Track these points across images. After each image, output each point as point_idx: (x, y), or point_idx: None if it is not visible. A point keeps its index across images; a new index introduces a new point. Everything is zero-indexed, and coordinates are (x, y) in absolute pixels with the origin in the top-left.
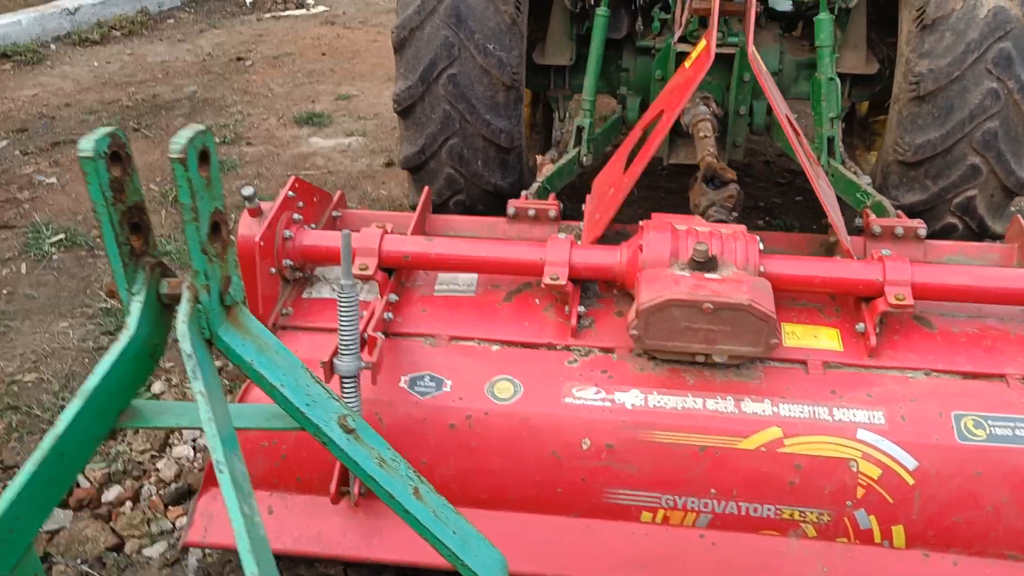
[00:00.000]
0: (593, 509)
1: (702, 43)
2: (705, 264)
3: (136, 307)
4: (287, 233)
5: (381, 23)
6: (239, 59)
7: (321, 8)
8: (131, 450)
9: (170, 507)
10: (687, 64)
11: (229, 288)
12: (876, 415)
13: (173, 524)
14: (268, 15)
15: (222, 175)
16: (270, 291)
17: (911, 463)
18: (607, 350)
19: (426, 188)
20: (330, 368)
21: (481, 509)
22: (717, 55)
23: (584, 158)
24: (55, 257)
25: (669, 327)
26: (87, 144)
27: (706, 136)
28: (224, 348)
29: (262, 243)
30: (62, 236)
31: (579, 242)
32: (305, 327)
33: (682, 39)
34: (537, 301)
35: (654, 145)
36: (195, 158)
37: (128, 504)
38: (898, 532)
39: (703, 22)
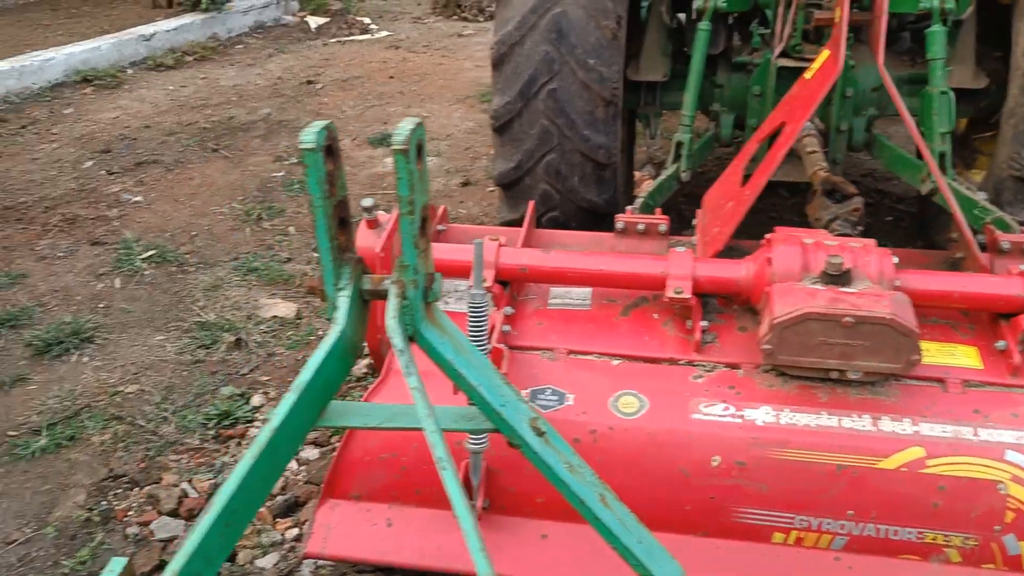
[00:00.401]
0: (722, 529)
1: (824, 54)
2: (839, 278)
3: (343, 302)
4: None
5: (444, 47)
6: (309, 82)
7: (384, 33)
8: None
9: (278, 519)
10: (807, 76)
11: (433, 285)
12: None
13: (282, 536)
14: (334, 40)
15: (302, 194)
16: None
17: None
18: (732, 366)
19: (531, 203)
20: None
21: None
22: (801, 69)
23: (683, 174)
24: (147, 272)
25: (804, 342)
26: (308, 137)
27: (814, 151)
28: (426, 346)
29: (383, 255)
30: (152, 252)
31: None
32: None
33: (783, 54)
34: (656, 315)
35: (777, 158)
36: (415, 151)
37: None
38: None
39: (806, 36)
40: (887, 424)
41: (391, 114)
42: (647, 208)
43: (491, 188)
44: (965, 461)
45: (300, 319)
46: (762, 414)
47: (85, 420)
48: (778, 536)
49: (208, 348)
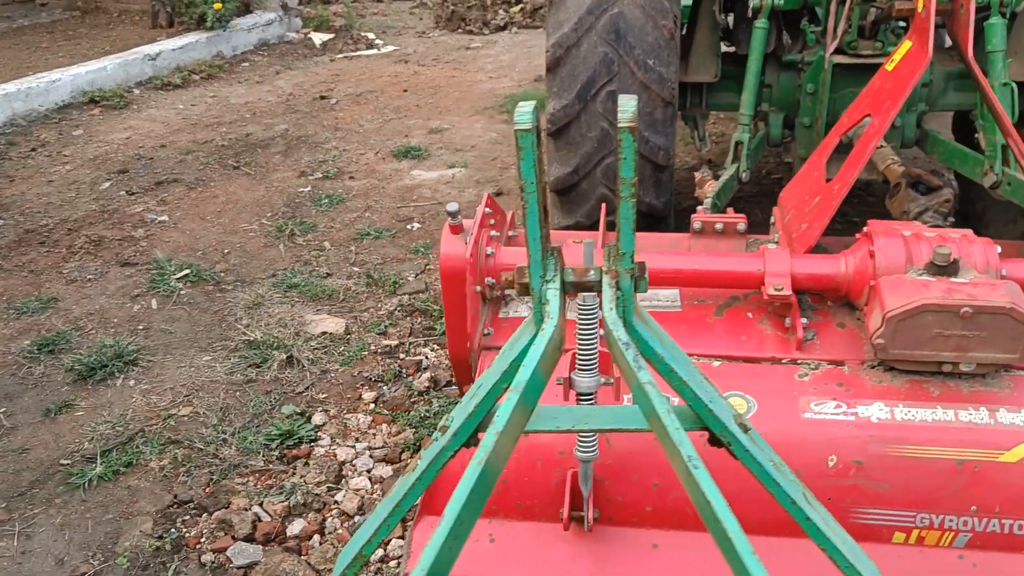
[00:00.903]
0: (848, 527)
1: (906, 45)
2: (947, 268)
3: (553, 294)
4: (489, 250)
5: (454, 60)
6: (322, 97)
7: (391, 48)
8: (306, 482)
9: None
10: (888, 67)
11: (644, 274)
12: None
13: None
14: (341, 56)
15: (331, 209)
16: (474, 311)
17: None
18: (837, 363)
19: (603, 205)
20: (568, 385)
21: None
22: (866, 66)
23: (743, 174)
24: (183, 292)
25: (918, 335)
26: (524, 116)
27: (882, 145)
28: (636, 339)
29: (471, 260)
30: (187, 271)
31: None
32: None
33: (838, 51)
34: (750, 315)
35: (868, 151)
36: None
37: (316, 538)
38: None
39: (861, 32)
40: (1005, 416)
41: (410, 127)
42: (715, 208)
43: None
44: None
45: (349, 334)
46: (876, 411)
47: (140, 445)
48: (899, 536)
49: (259, 367)
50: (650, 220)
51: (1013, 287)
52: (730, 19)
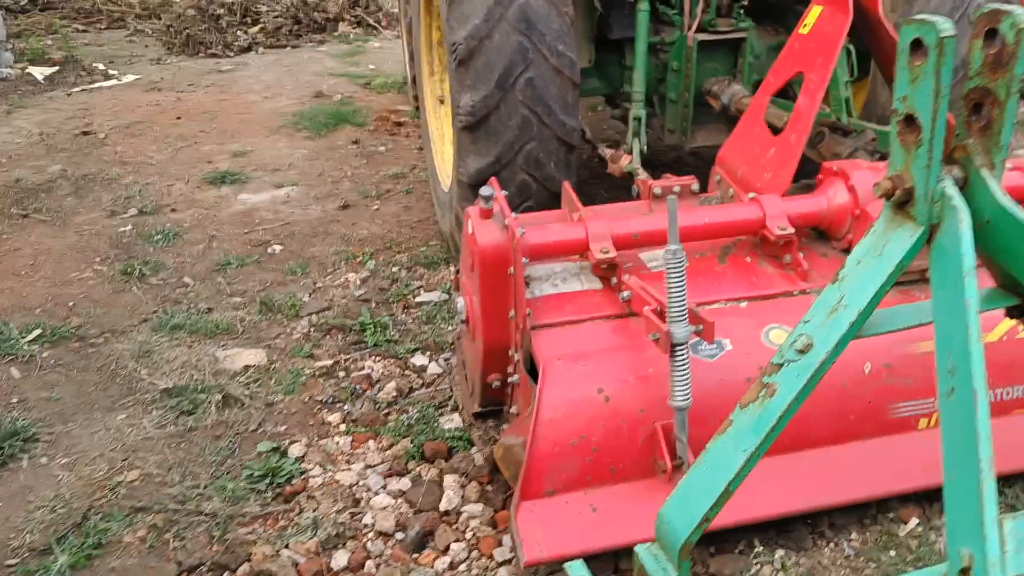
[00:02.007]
0: (879, 427)
1: (816, 9)
2: None
3: (952, 188)
4: (520, 231)
5: (212, 84)
6: (85, 133)
7: (132, 77)
8: (325, 515)
9: (416, 554)
10: (803, 31)
11: None
12: None
13: (434, 569)
14: (77, 89)
15: (171, 244)
16: (519, 293)
17: None
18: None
19: (565, 182)
20: (668, 338)
21: (786, 453)
22: (723, 41)
23: (643, 147)
24: (44, 355)
25: None
26: (947, 24)
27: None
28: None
29: (508, 242)
30: (38, 332)
31: None
32: (557, 323)
33: (700, 29)
34: (748, 259)
35: (816, 101)
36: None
37: (369, 564)
38: None
39: (718, 11)
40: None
41: (208, 153)
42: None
43: (375, 205)
44: None
45: (274, 363)
46: None
47: (99, 522)
48: (923, 422)
49: (192, 414)
50: (558, 203)
51: None
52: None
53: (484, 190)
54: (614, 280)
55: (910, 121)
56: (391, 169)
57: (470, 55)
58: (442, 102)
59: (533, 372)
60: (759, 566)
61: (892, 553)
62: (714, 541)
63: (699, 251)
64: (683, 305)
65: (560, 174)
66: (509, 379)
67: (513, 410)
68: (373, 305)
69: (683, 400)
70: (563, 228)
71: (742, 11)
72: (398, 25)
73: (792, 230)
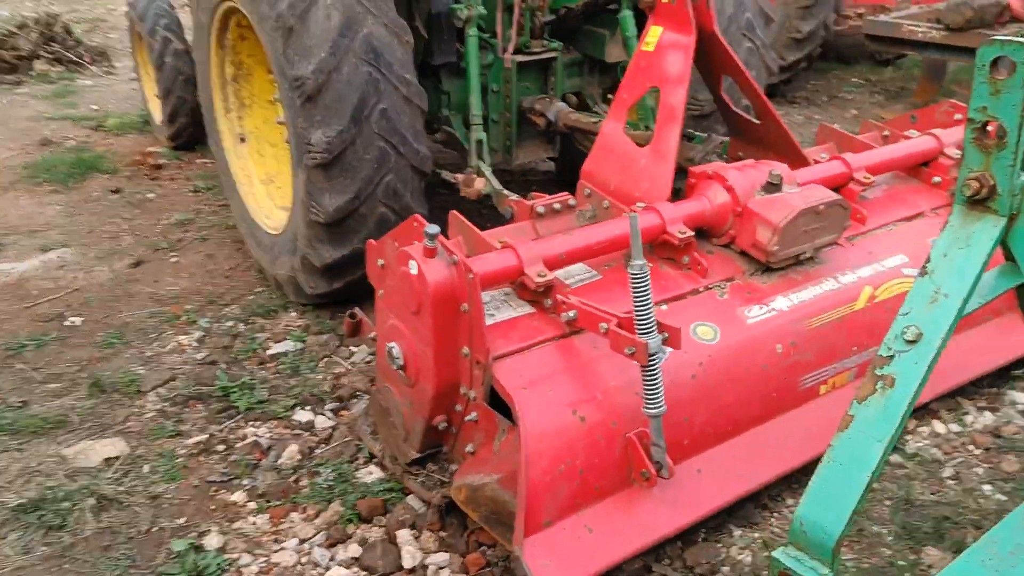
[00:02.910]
0: (795, 399)
1: (656, 29)
2: (779, 185)
3: None
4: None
5: None
6: None
7: None
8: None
9: None
10: (648, 48)
11: None
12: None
13: None
14: None
15: None
16: (478, 327)
17: None
18: (730, 279)
19: (452, 212)
20: (646, 349)
21: (729, 440)
22: (532, 62)
23: (486, 169)
24: None
25: (794, 234)
26: None
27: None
28: None
29: (470, 277)
30: None
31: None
32: (510, 352)
33: (517, 51)
34: (650, 264)
35: (678, 110)
36: None
37: None
38: None
39: (533, 33)
40: (845, 277)
41: None
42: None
43: (173, 257)
44: (893, 284)
45: (137, 448)
46: (783, 302)
47: None
48: (823, 388)
49: (63, 527)
50: None
51: (820, 187)
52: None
53: (430, 228)
54: (548, 302)
55: (986, 128)
56: (172, 216)
57: (319, 90)
58: (243, 140)
59: (492, 405)
60: (726, 549)
61: None
62: (678, 537)
63: (604, 263)
64: (652, 316)
65: (416, 204)
66: (466, 418)
67: (469, 448)
68: (223, 367)
69: (658, 408)
70: (497, 257)
71: (548, 33)
72: (106, 61)
73: (692, 232)
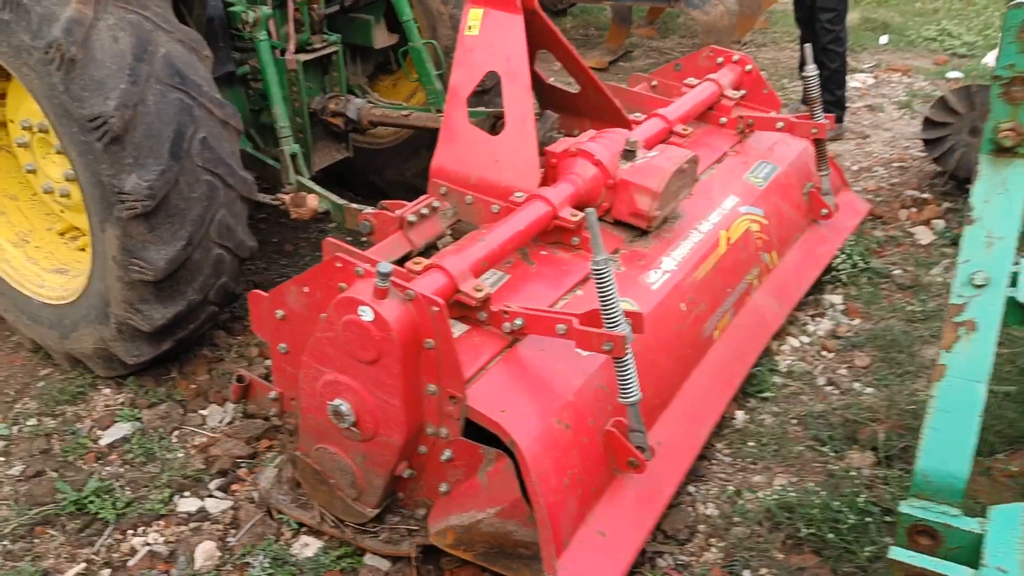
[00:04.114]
0: (703, 349)
1: (476, 11)
2: (634, 152)
3: None
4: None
5: None
6: None
7: None
8: None
9: None
10: (474, 33)
11: None
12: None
13: None
14: None
15: None
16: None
17: None
18: (616, 250)
19: (327, 239)
20: (623, 342)
21: (670, 405)
22: (321, 58)
23: (312, 184)
24: None
25: (668, 196)
26: None
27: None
28: None
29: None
30: None
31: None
32: (479, 371)
33: (299, 50)
34: (543, 252)
35: (525, 92)
36: None
37: None
38: None
39: (313, 28)
40: (703, 226)
41: None
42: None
43: None
44: (739, 223)
45: None
46: (670, 262)
47: None
48: (716, 333)
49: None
50: (241, 261)
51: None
52: None
53: (382, 267)
54: (482, 315)
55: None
56: None
57: (126, 128)
58: None
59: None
60: (693, 509)
61: (751, 445)
62: None
63: (505, 262)
64: (619, 308)
65: (246, 237)
66: (441, 458)
67: (443, 488)
68: (54, 474)
69: (634, 395)
70: (429, 281)
71: (326, 26)
72: None
73: (581, 214)
